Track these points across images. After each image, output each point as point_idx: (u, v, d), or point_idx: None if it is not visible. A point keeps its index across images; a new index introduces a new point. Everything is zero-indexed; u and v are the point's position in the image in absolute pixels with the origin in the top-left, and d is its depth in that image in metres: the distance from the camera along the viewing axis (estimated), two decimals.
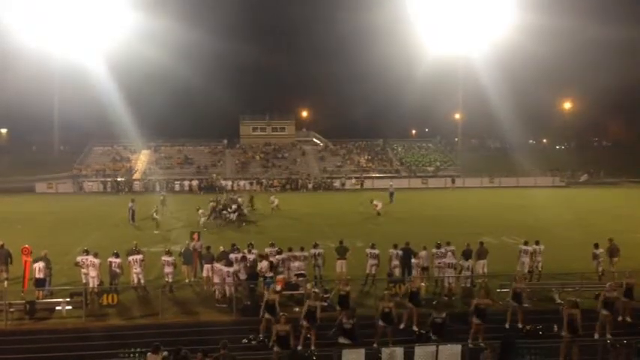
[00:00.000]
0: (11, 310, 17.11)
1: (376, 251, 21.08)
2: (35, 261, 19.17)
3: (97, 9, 68.37)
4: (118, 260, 19.52)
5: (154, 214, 34.94)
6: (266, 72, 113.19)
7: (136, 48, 71.24)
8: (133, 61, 72.37)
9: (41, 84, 73.03)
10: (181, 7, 78.46)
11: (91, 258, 19.40)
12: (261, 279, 19.34)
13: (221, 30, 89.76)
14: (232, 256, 20.18)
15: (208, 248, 20.96)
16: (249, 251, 20.53)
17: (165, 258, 20.16)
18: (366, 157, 76.59)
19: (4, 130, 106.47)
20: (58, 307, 17.56)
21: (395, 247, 21.17)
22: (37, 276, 18.82)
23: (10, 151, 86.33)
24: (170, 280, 20.05)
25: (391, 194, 50.27)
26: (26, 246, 20.12)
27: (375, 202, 41.15)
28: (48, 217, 39.65)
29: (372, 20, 78.97)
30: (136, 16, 68.26)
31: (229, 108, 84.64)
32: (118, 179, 65.38)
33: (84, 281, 19.28)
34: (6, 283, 19.90)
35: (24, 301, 17.46)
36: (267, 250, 20.86)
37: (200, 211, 35.20)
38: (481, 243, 21.61)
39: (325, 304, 17.56)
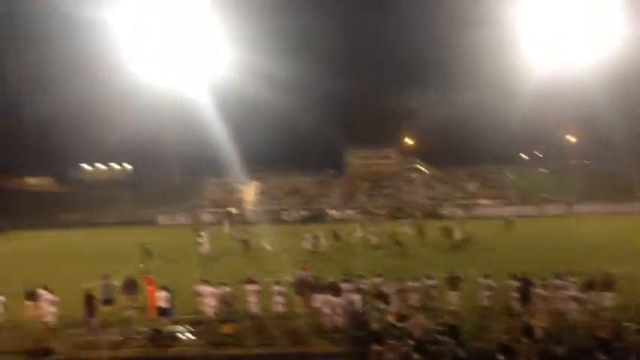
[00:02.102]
0: (136, 337, 18.20)
1: (491, 282, 20.36)
2: (159, 290, 20.36)
3: (205, 45, 72.62)
4: (230, 289, 20.25)
5: (265, 244, 35.94)
6: (370, 101, 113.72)
7: (244, 82, 74.62)
8: (240, 94, 75.89)
9: (159, 119, 78.22)
10: (286, 41, 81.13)
11: (209, 288, 20.29)
12: (373, 310, 19.25)
13: (325, 61, 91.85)
14: (343, 286, 20.26)
15: (318, 278, 21.20)
16: (359, 282, 20.52)
17: (276, 288, 20.64)
18: (474, 184, 74.62)
19: (127, 166, 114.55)
20: (180, 335, 18.47)
21: (512, 277, 20.35)
22: (161, 305, 19.93)
23: (133, 185, 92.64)
24: (282, 310, 20.45)
25: (508, 222, 48.53)
26: (148, 276, 21.38)
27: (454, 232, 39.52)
28: (167, 248, 41.83)
29: (472, 42, 77.42)
30: (244, 51, 71.76)
31: (335, 138, 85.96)
32: (230, 210, 68.04)
33: (204, 310, 20.12)
34: (133, 311, 21.22)
35: (149, 329, 18.51)
36: (375, 280, 20.76)
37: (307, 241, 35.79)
38: (606, 274, 20.20)
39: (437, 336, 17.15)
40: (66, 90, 77.93)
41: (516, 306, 19.76)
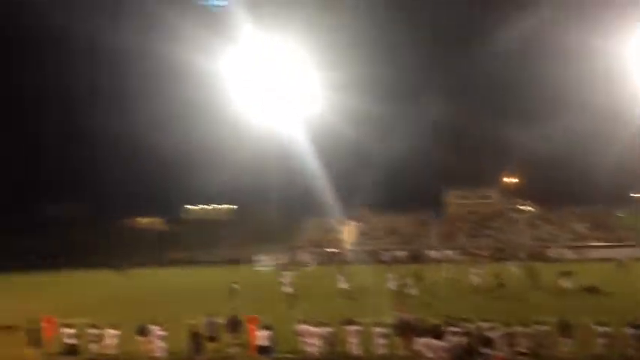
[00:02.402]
0: None
1: (607, 329, 19.02)
2: (261, 329, 20.74)
3: (305, 88, 74.84)
4: (329, 330, 20.23)
5: (341, 284, 35.70)
6: (469, 140, 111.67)
7: (343, 124, 76.02)
8: (339, 136, 77.20)
9: (261, 161, 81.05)
10: (384, 84, 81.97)
11: (311, 327, 20.41)
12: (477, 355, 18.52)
13: (423, 102, 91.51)
14: (445, 329, 19.67)
15: (420, 320, 20.76)
16: (462, 325, 19.86)
17: (377, 329, 20.40)
18: (583, 225, 70.52)
19: (231, 206, 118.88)
20: None
21: (629, 325, 18.91)
22: (262, 344, 20.20)
23: (235, 225, 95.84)
24: (384, 352, 20.12)
25: (620, 264, 45.41)
26: (251, 315, 21.88)
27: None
28: (266, 287, 42.45)
29: (578, 75, 74.49)
30: (342, 94, 73.33)
31: (433, 178, 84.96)
32: (330, 250, 68.47)
33: (306, 350, 20.19)
34: (235, 349, 21.67)
35: None
36: (481, 324, 20.00)
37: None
38: None
39: None
40: (173, 137, 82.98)
41: (636, 356, 18.32)
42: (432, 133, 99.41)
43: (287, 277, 38.43)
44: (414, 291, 35.16)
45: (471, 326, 19.84)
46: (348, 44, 76.11)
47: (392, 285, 36.30)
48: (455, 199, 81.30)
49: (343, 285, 38.13)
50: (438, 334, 19.20)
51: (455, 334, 19.33)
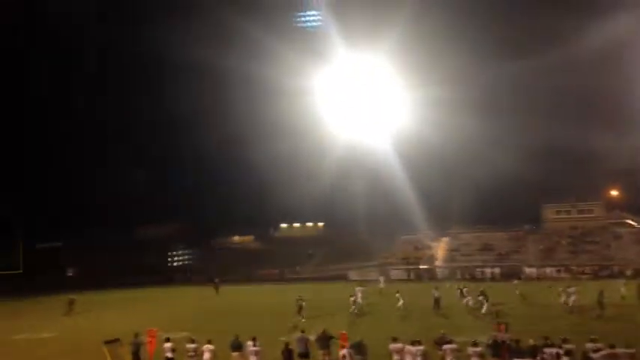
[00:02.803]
0: None
1: None
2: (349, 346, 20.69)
3: (394, 104, 74.79)
4: (421, 348, 19.77)
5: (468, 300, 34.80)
6: (568, 151, 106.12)
7: (433, 138, 74.92)
8: (430, 150, 76.16)
9: (350, 178, 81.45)
10: (475, 94, 79.93)
11: (403, 345, 20.06)
12: None
13: (518, 112, 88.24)
14: (544, 349, 18.73)
15: (517, 342, 19.87)
16: (562, 345, 18.82)
17: (472, 349, 19.70)
18: None
19: (320, 224, 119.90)
20: None
21: None
22: None
23: (326, 242, 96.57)
24: None
25: None
26: (342, 332, 21.90)
27: None
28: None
29: None
30: (431, 108, 72.52)
31: (529, 191, 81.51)
32: (421, 267, 67.49)
33: None
34: None
35: None
36: (588, 345, 18.85)
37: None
38: None
39: None
40: (265, 155, 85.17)
41: None
42: (528, 146, 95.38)
43: (356, 295, 38.63)
44: (509, 309, 33.88)
45: (571, 347, 18.74)
46: (440, 61, 75.21)
47: (485, 302, 35.12)
48: (554, 214, 77.79)
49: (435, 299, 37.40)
50: (535, 354, 18.34)
51: (553, 355, 18.37)
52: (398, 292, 38.47)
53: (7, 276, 57.11)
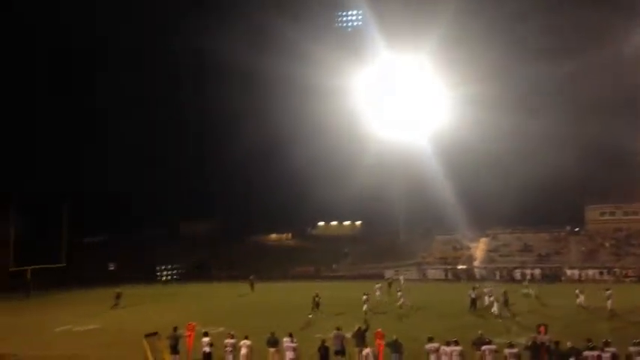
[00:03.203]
0: None
1: None
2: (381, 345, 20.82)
3: (431, 100, 74.11)
4: (458, 348, 19.64)
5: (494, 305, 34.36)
6: (613, 151, 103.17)
7: (472, 136, 73.90)
8: (469, 149, 75.10)
9: (387, 176, 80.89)
10: (515, 90, 78.49)
11: (439, 345, 19.97)
12: None
13: (560, 109, 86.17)
14: (585, 353, 18.34)
15: (557, 343, 19.52)
16: (603, 349, 18.37)
17: (508, 350, 19.42)
18: None
19: (358, 223, 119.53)
20: None
21: None
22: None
23: (363, 240, 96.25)
24: None
25: None
26: (378, 330, 21.93)
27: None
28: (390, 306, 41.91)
29: None
30: (470, 105, 71.60)
31: (573, 192, 79.53)
32: (459, 267, 66.75)
33: None
34: None
35: None
36: (631, 348, 18.38)
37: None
38: None
39: None
40: (302, 154, 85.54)
41: None
42: (572, 145, 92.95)
43: (368, 294, 38.62)
44: (549, 311, 33.27)
45: (614, 349, 18.29)
46: (482, 58, 74.15)
47: (524, 301, 34.62)
48: (597, 215, 75.89)
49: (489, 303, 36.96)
50: (577, 358, 17.98)
51: (595, 358, 17.98)
52: (400, 290, 39.77)
53: (51, 269, 58.71)
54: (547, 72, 74.98)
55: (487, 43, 75.11)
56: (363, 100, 78.11)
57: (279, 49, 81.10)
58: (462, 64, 73.71)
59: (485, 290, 38.62)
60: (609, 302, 34.67)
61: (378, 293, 41.13)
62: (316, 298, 36.85)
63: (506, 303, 35.50)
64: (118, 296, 44.39)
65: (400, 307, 37.14)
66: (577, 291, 37.56)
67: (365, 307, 36.23)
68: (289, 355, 21.23)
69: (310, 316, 34.11)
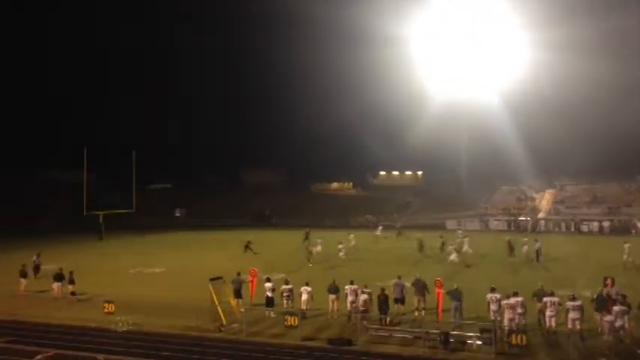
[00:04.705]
0: (426, 338, 18.58)
1: None
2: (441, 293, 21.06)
3: (500, 50, 71.12)
4: (519, 299, 19.40)
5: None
6: None
7: (537, 85, 70.99)
8: (534, 98, 72.36)
9: (450, 127, 79.26)
10: (587, 41, 74.23)
11: (498, 295, 19.79)
12: None
13: (636, 57, 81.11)
14: None
15: (624, 296, 18.95)
16: None
17: (570, 303, 18.95)
18: None
19: (419, 173, 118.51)
20: (469, 341, 18.34)
21: None
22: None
23: (424, 191, 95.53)
24: (578, 327, 18.67)
25: None
26: (437, 278, 21.91)
27: None
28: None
29: None
30: (540, 53, 68.39)
31: None
32: (521, 218, 65.35)
33: (492, 318, 19.60)
34: (423, 312, 21.87)
35: (438, 332, 18.76)
36: None
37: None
38: None
39: None
40: (365, 105, 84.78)
41: None
42: None
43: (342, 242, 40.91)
44: (613, 264, 32.23)
45: None
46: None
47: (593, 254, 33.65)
48: None
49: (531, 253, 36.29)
50: None
51: None
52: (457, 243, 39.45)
53: (122, 214, 61.51)
54: (631, 15, 70.05)
55: None
56: (426, 48, 75.81)
57: None
58: (533, 4, 69.85)
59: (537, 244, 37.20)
60: None
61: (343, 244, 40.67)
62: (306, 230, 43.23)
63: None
64: (248, 245, 43.88)
65: (451, 262, 36.22)
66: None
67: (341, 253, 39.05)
68: (350, 298, 21.56)
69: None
